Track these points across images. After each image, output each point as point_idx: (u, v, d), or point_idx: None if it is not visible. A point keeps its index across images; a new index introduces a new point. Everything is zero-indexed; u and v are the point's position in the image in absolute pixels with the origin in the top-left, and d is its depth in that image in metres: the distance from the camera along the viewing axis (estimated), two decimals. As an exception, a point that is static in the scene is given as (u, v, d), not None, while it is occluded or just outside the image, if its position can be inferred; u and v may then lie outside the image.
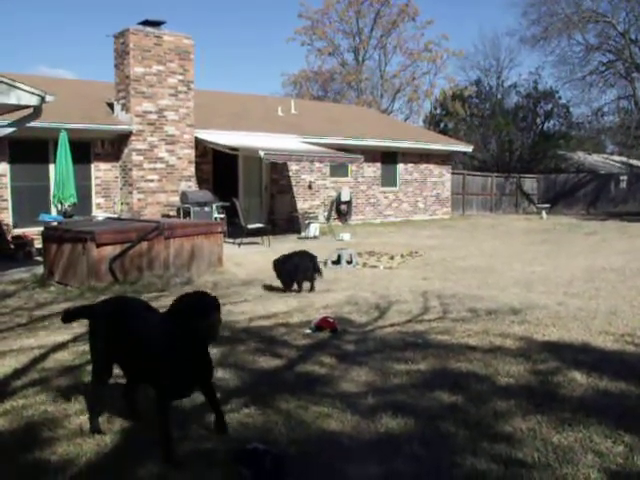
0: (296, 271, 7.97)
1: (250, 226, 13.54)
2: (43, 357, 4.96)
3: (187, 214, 13.56)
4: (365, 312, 6.71)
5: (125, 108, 13.90)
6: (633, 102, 28.98)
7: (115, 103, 14.28)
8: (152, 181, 14.13)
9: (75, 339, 5.42)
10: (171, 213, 14.15)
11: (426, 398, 4.06)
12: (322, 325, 5.78)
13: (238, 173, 16.77)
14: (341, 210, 19.03)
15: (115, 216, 12.91)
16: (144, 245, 8.77)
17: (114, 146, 14.19)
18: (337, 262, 10.13)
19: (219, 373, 4.53)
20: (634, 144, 30.55)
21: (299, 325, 6.04)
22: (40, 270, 9.33)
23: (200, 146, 15.05)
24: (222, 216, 14.12)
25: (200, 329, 3.03)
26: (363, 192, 19.96)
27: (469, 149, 25.34)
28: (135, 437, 3.47)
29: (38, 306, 7.13)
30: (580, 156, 33.79)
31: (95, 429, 3.48)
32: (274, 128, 17.45)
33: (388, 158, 20.57)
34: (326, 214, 16.33)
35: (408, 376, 4.50)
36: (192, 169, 14.83)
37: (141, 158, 13.94)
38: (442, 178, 22.67)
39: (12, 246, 11.44)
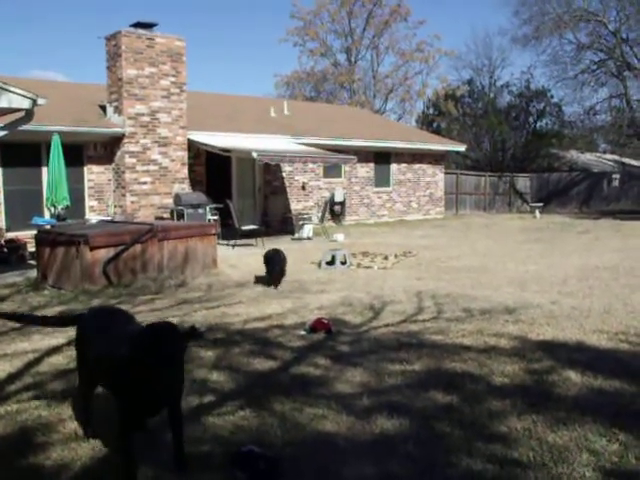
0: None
1: (244, 227, 13.53)
2: (37, 361, 4.94)
3: (181, 216, 13.54)
4: (359, 313, 6.72)
5: (118, 110, 13.86)
6: (625, 101, 29.06)
7: (107, 105, 14.23)
8: (145, 183, 14.09)
9: (69, 343, 5.36)
10: (165, 215, 14.11)
11: (421, 398, 4.06)
12: (317, 326, 5.79)
13: (231, 175, 16.74)
14: (335, 211, 19.02)
15: (108, 219, 12.86)
16: (138, 248, 8.75)
17: (107, 149, 14.14)
18: (331, 263, 10.12)
19: (214, 376, 4.54)
20: (626, 142, 30.62)
21: (294, 327, 6.04)
22: (33, 274, 9.28)
23: (193, 148, 15.01)
24: (216, 218, 14.10)
25: (157, 360, 2.84)
26: (357, 192, 19.97)
27: (462, 148, 25.42)
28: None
29: (32, 310, 7.09)
30: (573, 155, 33.86)
31: (89, 433, 3.47)
32: (267, 129, 17.44)
33: (381, 158, 20.58)
34: (320, 215, 16.31)
35: (403, 376, 4.51)
36: (185, 171, 14.79)
37: (134, 160, 13.90)
38: (435, 178, 22.69)
39: (5, 250, 11.37)
